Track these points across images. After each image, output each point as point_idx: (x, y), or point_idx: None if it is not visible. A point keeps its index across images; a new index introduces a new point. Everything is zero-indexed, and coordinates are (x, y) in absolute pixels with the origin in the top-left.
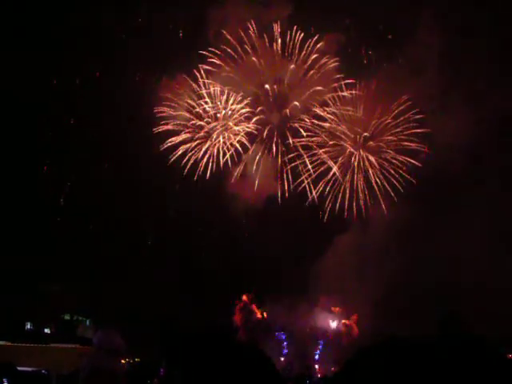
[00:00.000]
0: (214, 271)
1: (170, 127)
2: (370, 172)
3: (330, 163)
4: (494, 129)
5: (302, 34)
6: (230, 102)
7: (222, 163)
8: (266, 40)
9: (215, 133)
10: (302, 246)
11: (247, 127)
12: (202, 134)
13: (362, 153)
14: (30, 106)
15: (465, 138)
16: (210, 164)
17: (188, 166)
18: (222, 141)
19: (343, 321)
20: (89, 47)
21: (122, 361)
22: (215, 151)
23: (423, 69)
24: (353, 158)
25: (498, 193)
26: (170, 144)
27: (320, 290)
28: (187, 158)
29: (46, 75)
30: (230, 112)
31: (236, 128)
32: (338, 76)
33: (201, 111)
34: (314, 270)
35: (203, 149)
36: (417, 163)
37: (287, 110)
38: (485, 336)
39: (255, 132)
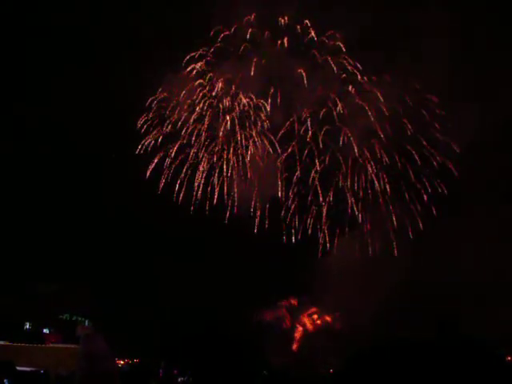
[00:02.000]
0: (215, 272)
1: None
2: (374, 178)
3: (335, 172)
4: (496, 129)
5: (309, 33)
6: (236, 104)
7: (224, 170)
8: (272, 39)
9: (219, 138)
10: (302, 247)
11: (252, 132)
12: (203, 137)
13: (368, 156)
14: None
15: (467, 139)
16: (213, 171)
17: (188, 173)
18: (225, 147)
19: (326, 317)
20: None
21: (121, 362)
22: (218, 157)
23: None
24: (361, 161)
25: (499, 193)
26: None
27: (321, 290)
28: (187, 164)
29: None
30: (234, 115)
31: (240, 131)
32: (344, 76)
33: (203, 113)
34: (314, 270)
35: (204, 155)
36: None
37: (294, 116)
38: (484, 337)
39: (257, 136)
